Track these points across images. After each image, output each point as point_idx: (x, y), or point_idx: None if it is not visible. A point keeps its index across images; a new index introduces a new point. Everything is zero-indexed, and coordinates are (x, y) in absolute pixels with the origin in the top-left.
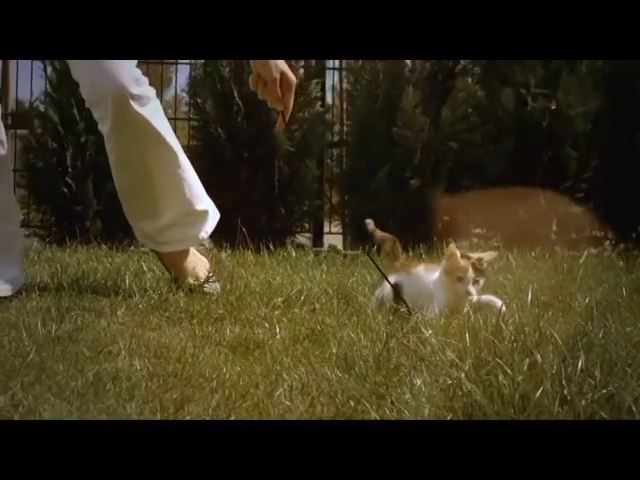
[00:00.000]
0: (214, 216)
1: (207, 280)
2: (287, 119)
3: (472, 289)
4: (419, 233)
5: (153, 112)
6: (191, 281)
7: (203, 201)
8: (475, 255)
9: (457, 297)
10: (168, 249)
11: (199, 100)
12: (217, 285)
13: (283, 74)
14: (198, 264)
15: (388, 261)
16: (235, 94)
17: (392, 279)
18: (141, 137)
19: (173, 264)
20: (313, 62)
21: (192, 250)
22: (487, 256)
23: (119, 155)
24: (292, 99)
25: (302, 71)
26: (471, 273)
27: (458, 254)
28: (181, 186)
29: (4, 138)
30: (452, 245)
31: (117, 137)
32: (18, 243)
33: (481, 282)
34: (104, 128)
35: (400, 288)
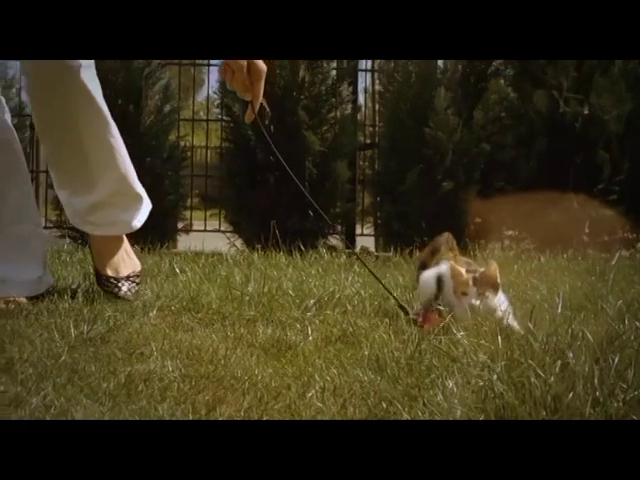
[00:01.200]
0: (147, 206)
1: (127, 279)
2: (256, 109)
3: (477, 302)
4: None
5: (89, 79)
6: (109, 273)
7: (138, 184)
8: (480, 269)
9: (464, 312)
10: (97, 231)
11: (230, 101)
12: (148, 292)
13: (251, 62)
14: (126, 262)
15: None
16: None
17: (441, 267)
18: (75, 101)
19: (99, 252)
20: (345, 63)
21: (126, 246)
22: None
23: (47, 118)
24: (262, 88)
25: (334, 72)
26: (472, 287)
27: (460, 269)
28: (114, 159)
29: (15, 136)
30: (451, 262)
31: (49, 99)
32: (38, 243)
33: (489, 295)
34: (34, 91)
35: (442, 281)
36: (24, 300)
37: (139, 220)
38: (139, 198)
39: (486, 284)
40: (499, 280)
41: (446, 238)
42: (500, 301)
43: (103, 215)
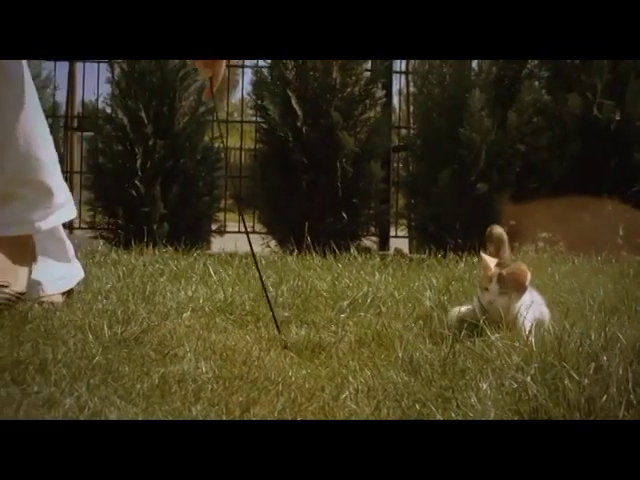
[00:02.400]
0: (67, 208)
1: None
2: (215, 87)
3: (497, 299)
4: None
5: None
6: None
7: (51, 176)
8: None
9: (480, 308)
10: None
11: (264, 103)
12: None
13: None
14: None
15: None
16: (293, 100)
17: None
18: None
19: None
20: (378, 65)
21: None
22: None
23: None
24: (223, 66)
25: (367, 74)
26: (495, 284)
27: (489, 264)
28: (16, 134)
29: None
30: (482, 254)
31: None
32: (62, 235)
33: (513, 296)
34: None
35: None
36: (59, 300)
37: (48, 221)
38: (49, 193)
39: (510, 284)
40: (527, 283)
41: (490, 231)
42: (524, 305)
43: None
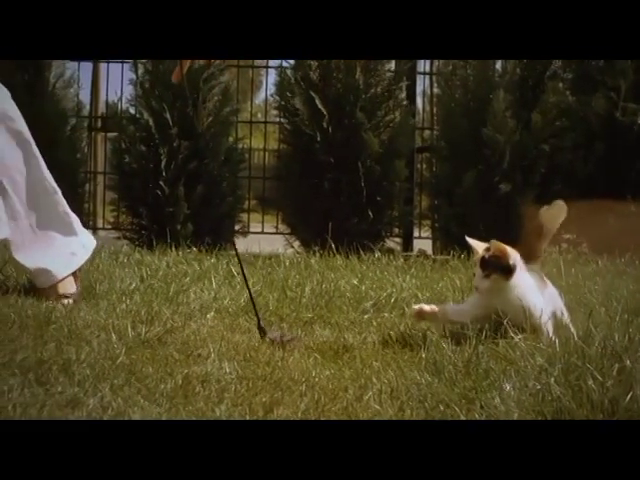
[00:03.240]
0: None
1: None
2: (185, 70)
3: (480, 283)
4: (508, 237)
5: None
6: None
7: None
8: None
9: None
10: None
11: (288, 104)
12: None
13: None
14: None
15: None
16: (317, 100)
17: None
18: None
19: None
20: (402, 66)
21: None
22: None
23: None
24: None
25: (391, 75)
26: (478, 268)
27: (476, 248)
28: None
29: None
30: (468, 238)
31: None
32: (61, 211)
33: (497, 278)
34: None
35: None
36: (72, 288)
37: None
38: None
39: (492, 267)
40: (511, 262)
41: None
42: (519, 289)
43: None
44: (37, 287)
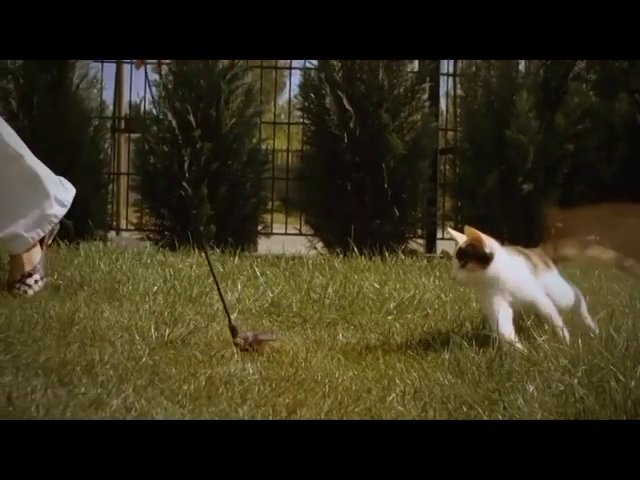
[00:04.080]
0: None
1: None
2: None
3: (457, 274)
4: (532, 239)
5: None
6: None
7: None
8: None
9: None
10: None
11: (313, 104)
12: None
13: None
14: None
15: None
16: (344, 99)
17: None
18: None
19: None
20: (425, 66)
21: None
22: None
23: None
24: None
25: (413, 76)
26: (455, 259)
27: (458, 239)
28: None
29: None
30: (449, 229)
31: None
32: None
33: (474, 266)
34: None
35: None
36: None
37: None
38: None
39: (468, 255)
40: (487, 250)
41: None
42: (499, 272)
43: None
44: (11, 256)
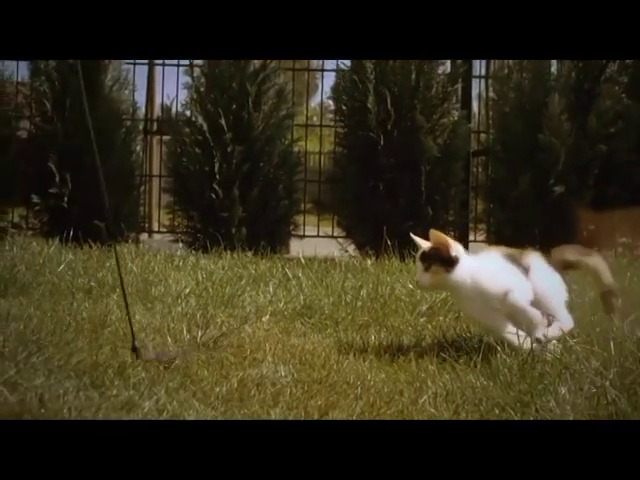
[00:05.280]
0: None
1: None
2: None
3: (421, 278)
4: (564, 241)
5: None
6: None
7: None
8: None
9: None
10: None
11: (346, 106)
12: None
13: None
14: None
15: None
16: (388, 100)
17: None
18: None
19: None
20: (457, 68)
21: None
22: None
23: None
24: None
25: (445, 78)
26: (419, 262)
27: (421, 243)
28: None
29: None
30: (412, 235)
31: None
32: None
33: (438, 270)
34: None
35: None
36: None
37: None
38: None
39: (432, 258)
40: (453, 253)
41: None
42: (466, 276)
43: None
44: None
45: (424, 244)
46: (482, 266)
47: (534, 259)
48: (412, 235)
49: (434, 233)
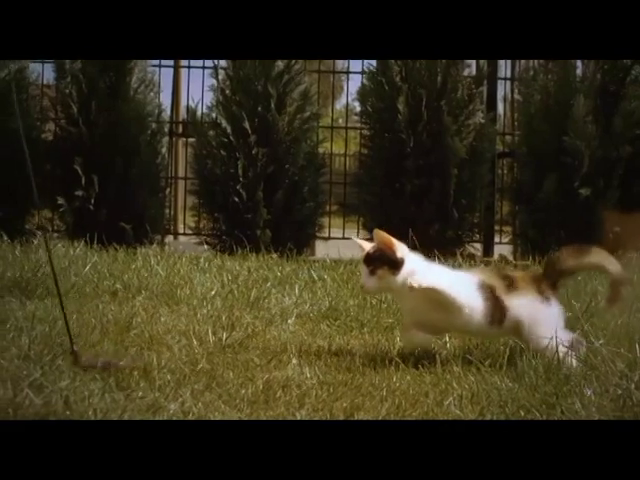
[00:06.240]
0: None
1: None
2: None
3: (366, 282)
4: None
5: None
6: None
7: None
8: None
9: None
10: None
11: (373, 108)
12: None
13: None
14: None
15: None
16: (424, 101)
17: None
18: None
19: None
20: (482, 70)
21: None
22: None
23: None
24: None
25: (470, 80)
26: (363, 265)
27: (364, 244)
28: None
29: None
30: (354, 237)
31: None
32: None
33: (383, 273)
34: None
35: None
36: None
37: None
38: None
39: (377, 261)
40: (399, 255)
41: None
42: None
43: None
44: None
45: (367, 246)
46: (426, 265)
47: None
48: (354, 238)
49: (378, 234)
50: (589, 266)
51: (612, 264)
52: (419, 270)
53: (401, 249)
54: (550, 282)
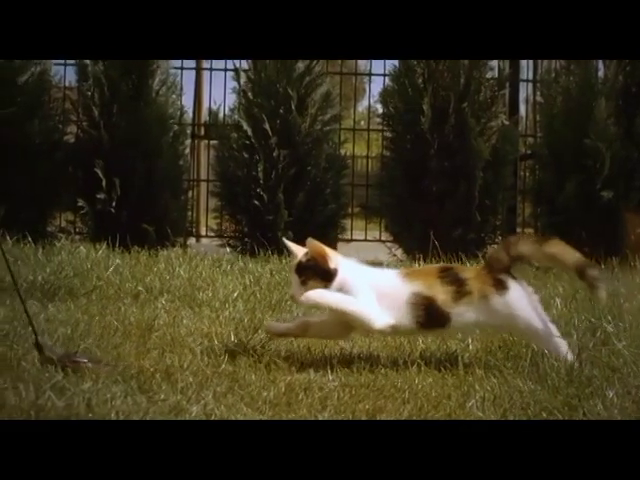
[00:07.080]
0: None
1: None
2: None
3: (297, 292)
4: (611, 246)
5: None
6: None
7: None
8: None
9: None
10: None
11: (395, 110)
12: None
13: None
14: None
15: None
16: (452, 102)
17: None
18: None
19: None
20: (504, 72)
21: None
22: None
23: None
24: None
25: (493, 82)
26: (294, 274)
27: (296, 252)
28: None
29: None
30: (285, 240)
31: None
32: None
33: (315, 284)
34: None
35: None
36: None
37: None
38: None
39: (310, 271)
40: (332, 265)
41: None
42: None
43: None
44: None
45: (299, 252)
46: (359, 275)
47: None
48: (284, 240)
49: (311, 243)
50: (545, 256)
51: (569, 254)
52: (352, 281)
53: (335, 259)
54: (502, 267)
